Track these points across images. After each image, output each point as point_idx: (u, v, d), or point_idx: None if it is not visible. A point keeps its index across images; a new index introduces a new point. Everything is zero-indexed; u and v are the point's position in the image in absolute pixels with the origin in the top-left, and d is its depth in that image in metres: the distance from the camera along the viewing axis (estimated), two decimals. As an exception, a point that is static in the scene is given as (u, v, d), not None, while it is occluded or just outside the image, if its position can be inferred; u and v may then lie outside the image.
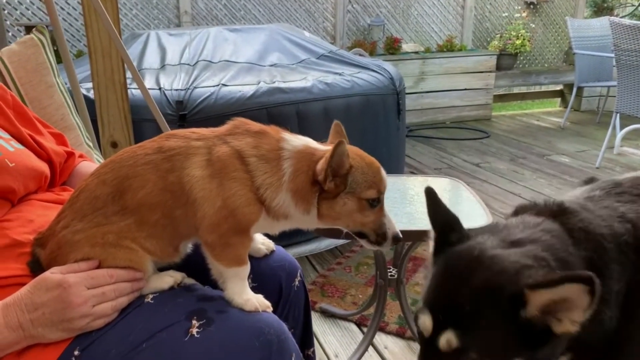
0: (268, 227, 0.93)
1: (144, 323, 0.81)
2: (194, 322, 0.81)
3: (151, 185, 0.85)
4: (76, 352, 0.78)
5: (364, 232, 0.91)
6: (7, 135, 1.00)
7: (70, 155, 1.13)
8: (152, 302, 0.85)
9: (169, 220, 0.86)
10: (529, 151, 4.47)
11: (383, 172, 0.90)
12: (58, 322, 0.77)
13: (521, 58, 6.00)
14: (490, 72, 5.38)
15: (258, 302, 0.87)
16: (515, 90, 6.38)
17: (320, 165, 0.84)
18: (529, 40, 5.65)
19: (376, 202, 0.88)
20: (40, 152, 1.06)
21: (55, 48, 1.40)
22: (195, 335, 0.80)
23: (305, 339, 1.10)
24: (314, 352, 1.13)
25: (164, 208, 0.85)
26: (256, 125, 0.90)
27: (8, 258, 0.87)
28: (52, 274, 0.80)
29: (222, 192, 0.84)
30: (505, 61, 5.65)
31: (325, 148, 0.89)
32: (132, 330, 0.80)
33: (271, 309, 0.89)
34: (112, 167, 0.88)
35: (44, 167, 1.02)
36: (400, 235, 0.91)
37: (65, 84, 1.41)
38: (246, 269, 0.90)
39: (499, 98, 6.10)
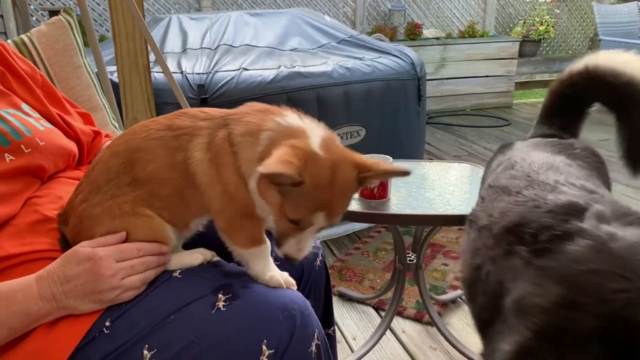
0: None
1: (172, 296, 0.83)
2: (220, 296, 0.83)
3: (160, 160, 0.86)
4: (107, 323, 0.80)
5: (276, 225, 0.85)
6: (37, 115, 1.02)
7: (97, 134, 1.15)
8: (179, 277, 0.87)
9: (180, 198, 0.87)
10: (551, 139, 4.41)
11: (322, 215, 0.79)
12: (89, 293, 0.79)
13: (544, 45, 5.89)
14: (512, 58, 5.30)
15: (282, 278, 0.89)
16: (538, 77, 6.27)
17: (271, 157, 0.74)
18: (553, 27, 5.55)
19: (295, 223, 0.80)
20: (68, 131, 1.08)
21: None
22: (222, 309, 0.81)
23: (326, 318, 1.12)
24: (334, 331, 1.15)
25: (174, 185, 0.86)
26: (263, 106, 0.87)
27: (39, 233, 0.89)
28: (82, 248, 0.82)
29: (219, 178, 0.84)
30: (528, 48, 5.56)
31: (313, 141, 0.79)
32: (161, 303, 0.82)
33: (295, 287, 0.90)
34: (125, 139, 0.90)
35: (72, 146, 1.04)
36: (294, 262, 0.84)
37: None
38: (265, 247, 0.90)
39: (521, 85, 6.01)
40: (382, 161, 0.86)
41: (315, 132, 0.80)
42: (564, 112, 1.15)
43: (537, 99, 6.16)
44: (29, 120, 0.97)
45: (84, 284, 0.79)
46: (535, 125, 1.21)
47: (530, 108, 5.59)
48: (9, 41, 1.17)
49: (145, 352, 0.78)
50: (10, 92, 0.99)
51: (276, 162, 0.72)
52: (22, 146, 0.92)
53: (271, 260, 0.91)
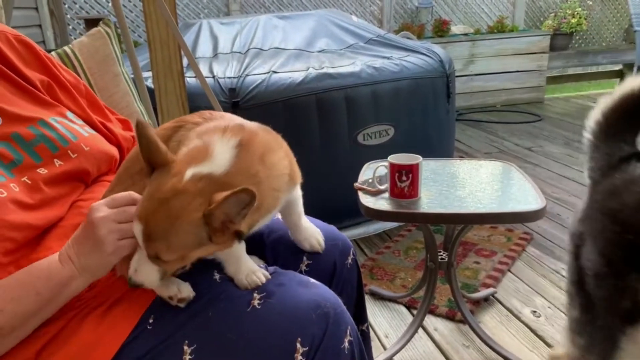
0: None
1: (210, 295, 0.87)
2: (255, 294, 0.86)
3: None
4: (150, 320, 0.84)
5: None
6: (81, 122, 1.07)
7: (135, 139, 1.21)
8: (218, 280, 0.91)
9: None
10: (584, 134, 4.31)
11: (138, 225, 0.77)
12: (93, 245, 0.80)
13: (577, 37, 5.76)
14: (543, 53, 5.20)
15: (258, 276, 0.89)
16: (570, 71, 6.13)
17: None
18: (585, 19, 5.41)
19: None
20: (110, 137, 1.13)
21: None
22: (257, 307, 0.84)
23: (359, 315, 1.14)
24: (367, 327, 1.17)
25: None
26: (226, 122, 0.86)
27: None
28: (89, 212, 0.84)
29: None
30: (560, 41, 5.44)
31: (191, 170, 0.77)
32: (199, 300, 0.86)
33: (269, 277, 0.91)
34: (158, 129, 0.96)
35: (114, 150, 1.09)
36: (129, 274, 0.80)
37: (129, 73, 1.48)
38: (234, 249, 0.89)
39: (553, 80, 5.88)
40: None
41: (214, 164, 0.76)
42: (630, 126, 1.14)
43: (570, 93, 6.02)
44: (74, 127, 1.02)
45: (85, 237, 0.81)
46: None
47: (562, 103, 5.48)
48: (53, 53, 1.23)
49: (185, 347, 0.82)
50: (56, 101, 1.04)
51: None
52: (69, 152, 0.97)
53: (245, 259, 0.92)
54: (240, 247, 0.91)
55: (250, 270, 0.90)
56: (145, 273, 0.79)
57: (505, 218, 1.52)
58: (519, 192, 1.60)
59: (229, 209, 0.73)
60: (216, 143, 0.79)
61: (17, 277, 0.79)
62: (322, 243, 1.06)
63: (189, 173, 0.76)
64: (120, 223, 0.81)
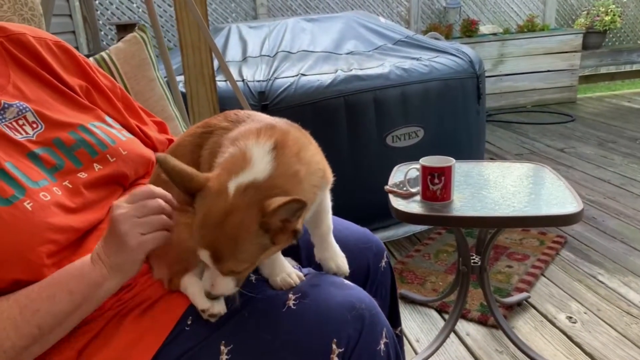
0: None
1: (246, 295, 0.87)
2: (290, 295, 0.86)
3: (187, 156, 0.88)
4: (189, 321, 0.85)
5: None
6: (118, 126, 1.09)
7: (171, 142, 1.22)
8: (253, 280, 0.91)
9: None
10: (619, 135, 4.20)
11: (206, 253, 0.76)
12: (119, 243, 0.80)
13: (610, 36, 5.62)
14: (575, 52, 5.08)
15: (292, 278, 0.89)
16: (603, 70, 5.98)
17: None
18: (619, 16, 5.28)
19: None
20: (146, 140, 1.15)
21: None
22: (292, 307, 0.84)
23: (393, 318, 1.13)
24: (401, 331, 1.15)
25: None
26: (262, 123, 0.84)
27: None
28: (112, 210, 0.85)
29: None
30: (593, 40, 5.32)
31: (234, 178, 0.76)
32: (233, 299, 0.86)
33: (303, 279, 0.90)
34: (180, 136, 0.95)
35: (150, 154, 1.11)
36: (207, 289, 0.80)
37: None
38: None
39: (585, 79, 5.76)
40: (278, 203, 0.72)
41: (254, 170, 0.75)
42: None
43: (603, 92, 5.88)
44: (112, 132, 1.04)
45: (110, 236, 0.81)
46: None
47: (595, 102, 5.35)
48: (91, 59, 1.26)
49: (222, 347, 0.82)
50: (94, 106, 1.06)
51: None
52: (108, 156, 0.99)
53: (281, 261, 0.90)
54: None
55: (284, 272, 0.90)
56: (222, 285, 0.79)
57: (542, 221, 1.49)
58: (554, 195, 1.57)
59: (283, 216, 0.74)
60: (252, 148, 0.78)
61: (53, 277, 0.81)
62: (347, 268, 0.96)
63: (232, 186, 0.74)
64: (141, 217, 0.81)
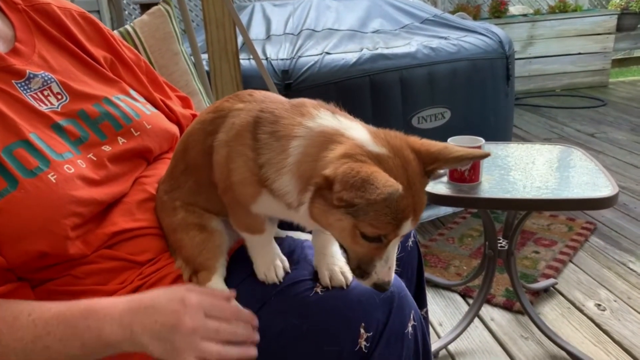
0: (281, 213, 0.80)
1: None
2: (319, 282, 0.84)
3: (198, 145, 0.85)
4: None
5: (348, 253, 0.75)
6: (142, 100, 1.08)
7: (195, 117, 1.20)
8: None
9: (215, 187, 0.85)
10: (653, 120, 4.06)
11: (409, 222, 0.70)
12: (164, 339, 0.74)
13: (647, 17, 5.39)
14: (609, 34, 4.91)
15: (277, 273, 0.84)
16: (637, 53, 5.77)
17: (345, 175, 0.63)
18: (657, -4, 5.07)
19: (377, 240, 0.70)
20: (170, 115, 1.13)
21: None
22: (320, 293, 0.82)
23: (419, 299, 1.10)
24: (427, 312, 1.13)
25: (208, 172, 0.83)
26: (300, 102, 0.79)
27: (147, 210, 0.95)
28: (181, 287, 0.80)
29: (228, 162, 0.79)
30: (628, 21, 5.12)
31: (367, 144, 0.70)
32: (262, 286, 0.85)
33: (289, 270, 0.85)
34: (191, 124, 0.92)
35: (174, 128, 1.10)
36: (387, 286, 0.73)
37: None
38: (261, 238, 0.86)
39: (618, 63, 5.56)
40: (450, 145, 0.73)
41: (355, 130, 0.71)
42: None
43: (636, 77, 5.67)
44: (136, 105, 1.02)
45: (162, 325, 0.74)
46: None
47: (628, 87, 5.17)
48: (115, 32, 1.24)
49: None
50: (119, 79, 1.05)
51: (359, 184, 0.62)
52: (132, 130, 0.97)
53: (268, 251, 0.86)
54: (266, 237, 0.86)
55: (271, 263, 0.85)
56: (394, 261, 0.74)
57: (574, 204, 1.44)
58: (586, 177, 1.51)
59: None
60: (329, 118, 0.74)
61: (74, 314, 0.76)
62: (350, 278, 0.83)
63: (377, 150, 0.69)
64: (204, 341, 0.74)
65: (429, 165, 0.72)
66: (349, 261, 0.74)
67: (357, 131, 0.72)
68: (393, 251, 0.73)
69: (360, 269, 0.73)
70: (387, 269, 0.72)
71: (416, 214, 0.70)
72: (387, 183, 0.62)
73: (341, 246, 0.75)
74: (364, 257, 0.72)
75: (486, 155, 0.76)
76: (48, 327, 0.74)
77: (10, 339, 0.74)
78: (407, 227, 0.70)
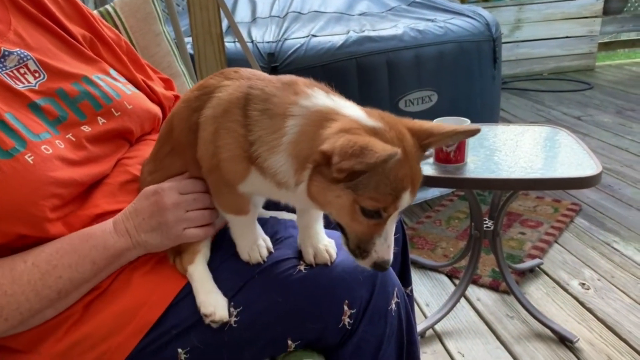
0: (270, 193, 0.80)
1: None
2: (302, 261, 0.84)
3: (183, 123, 0.84)
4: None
5: (346, 233, 0.74)
6: (123, 80, 1.06)
7: (177, 98, 1.19)
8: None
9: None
10: (639, 102, 4.09)
11: (408, 193, 0.69)
12: (157, 226, 0.82)
13: (633, 0, 5.41)
14: (595, 17, 4.92)
15: (260, 252, 0.84)
16: (624, 37, 5.79)
17: (343, 145, 0.63)
18: (643, -21, 5.08)
19: (375, 215, 0.70)
20: (152, 95, 1.12)
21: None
22: (303, 271, 0.82)
23: (404, 277, 1.11)
24: (411, 290, 1.14)
25: (194, 151, 0.82)
26: (291, 80, 0.77)
27: (130, 192, 0.94)
28: (151, 185, 0.86)
29: (216, 139, 0.77)
30: (615, 4, 5.13)
31: (363, 119, 0.70)
32: (246, 265, 0.84)
33: (272, 250, 0.85)
34: (177, 104, 0.90)
35: (157, 109, 1.08)
36: (387, 265, 0.73)
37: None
38: (245, 219, 0.85)
39: (604, 46, 5.58)
40: (443, 123, 0.75)
41: (350, 109, 0.71)
42: None
43: (623, 60, 5.71)
44: (117, 85, 1.00)
45: (150, 216, 0.82)
46: None
47: (615, 70, 5.20)
48: (94, 11, 1.22)
49: (232, 309, 0.81)
50: (99, 58, 1.03)
51: (358, 151, 0.62)
52: (113, 110, 0.96)
53: (251, 230, 0.85)
54: (250, 218, 0.85)
55: (254, 243, 0.84)
56: (393, 239, 0.73)
57: (558, 184, 1.45)
58: (571, 157, 1.52)
59: None
60: (324, 98, 0.73)
61: (73, 243, 0.81)
62: (334, 255, 0.84)
63: (372, 124, 0.69)
64: (189, 211, 0.83)
65: (424, 139, 0.72)
66: (347, 242, 0.74)
67: (351, 109, 0.72)
68: (391, 229, 0.72)
69: (360, 248, 0.72)
70: (386, 247, 0.72)
71: (414, 185, 0.70)
72: (386, 147, 0.63)
73: (340, 228, 0.75)
74: (363, 236, 0.71)
75: (477, 130, 0.76)
76: (52, 262, 0.79)
77: (16, 287, 0.77)
78: (406, 199, 0.70)
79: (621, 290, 1.88)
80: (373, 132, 0.68)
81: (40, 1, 0.96)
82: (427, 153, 0.88)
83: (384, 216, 0.70)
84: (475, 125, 0.72)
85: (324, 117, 0.70)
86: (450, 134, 0.73)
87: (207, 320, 0.79)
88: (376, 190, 0.67)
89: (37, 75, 0.89)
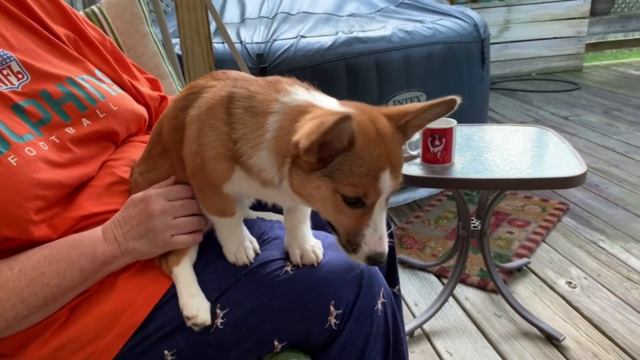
0: (255, 192, 0.81)
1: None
2: (289, 262, 0.84)
3: (170, 122, 0.84)
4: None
5: (336, 229, 0.73)
6: (109, 80, 1.05)
7: (163, 99, 1.18)
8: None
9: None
10: (626, 103, 4.13)
11: (387, 174, 0.68)
12: (144, 233, 0.82)
13: (619, 1, 5.47)
14: (583, 18, 4.97)
15: (247, 254, 0.84)
16: (611, 37, 5.85)
17: (307, 128, 0.64)
18: (630, -19, 5.13)
19: (359, 204, 0.69)
20: (137, 96, 1.11)
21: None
22: (290, 272, 0.82)
23: (391, 277, 1.11)
24: (399, 290, 1.14)
25: (181, 151, 0.82)
26: (274, 78, 0.78)
27: (116, 194, 0.93)
28: (138, 193, 0.86)
29: (200, 137, 0.77)
30: (601, 5, 5.19)
31: (336, 108, 0.71)
32: (231, 266, 0.84)
33: (259, 251, 0.86)
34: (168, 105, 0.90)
35: (142, 110, 1.07)
36: (381, 258, 0.71)
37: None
38: (231, 221, 0.85)
39: (592, 47, 5.63)
40: (415, 103, 0.74)
41: (327, 101, 0.73)
42: None
43: (610, 61, 5.76)
44: (102, 86, 1.00)
45: (138, 224, 0.82)
46: None
47: (602, 71, 5.25)
48: (81, 12, 1.21)
49: (218, 310, 0.81)
50: (84, 58, 1.02)
51: (315, 126, 0.63)
52: (97, 111, 0.95)
53: (239, 232, 0.86)
54: (236, 220, 0.85)
55: (241, 244, 0.85)
56: (385, 232, 0.72)
57: (544, 183, 1.46)
58: (557, 158, 1.54)
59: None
60: (304, 93, 0.74)
61: (61, 251, 0.80)
62: (320, 256, 0.84)
63: (342, 110, 0.70)
64: (176, 218, 0.83)
65: (400, 120, 0.71)
66: (338, 238, 0.73)
67: (327, 102, 0.73)
68: (380, 219, 0.71)
69: (350, 242, 0.71)
70: (377, 238, 0.70)
71: (393, 166, 0.69)
72: (334, 115, 0.62)
73: (330, 226, 0.74)
74: (351, 229, 0.70)
75: (453, 101, 0.71)
76: (39, 269, 0.78)
77: (1, 294, 0.76)
78: (386, 181, 0.68)
79: (607, 289, 1.90)
80: (345, 115, 0.67)
81: (23, 1, 0.96)
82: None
83: (368, 203, 0.69)
84: (451, 97, 0.70)
85: (301, 111, 0.70)
86: (425, 108, 0.71)
87: (188, 323, 0.79)
88: (352, 174, 0.66)
89: (20, 76, 0.88)
